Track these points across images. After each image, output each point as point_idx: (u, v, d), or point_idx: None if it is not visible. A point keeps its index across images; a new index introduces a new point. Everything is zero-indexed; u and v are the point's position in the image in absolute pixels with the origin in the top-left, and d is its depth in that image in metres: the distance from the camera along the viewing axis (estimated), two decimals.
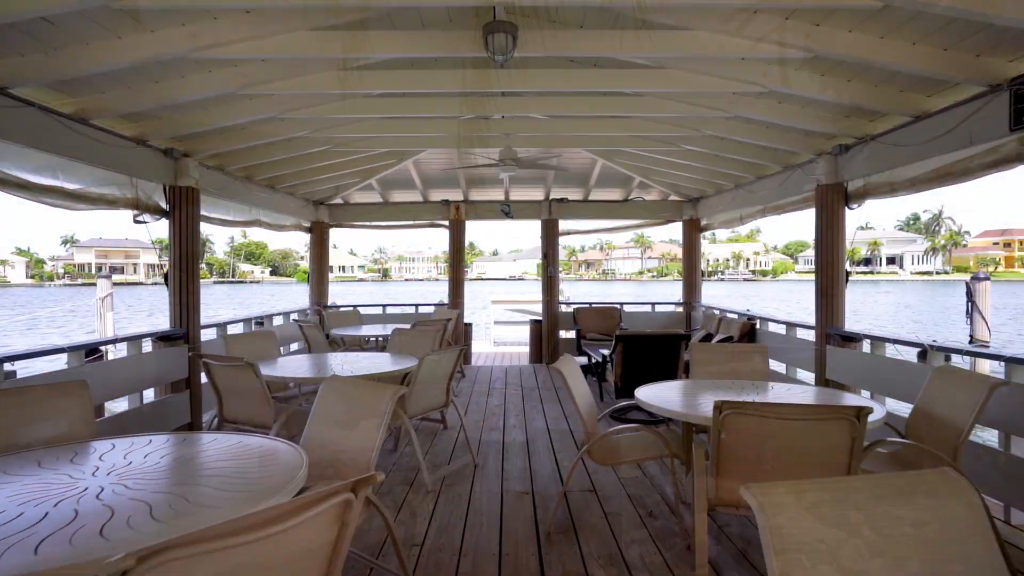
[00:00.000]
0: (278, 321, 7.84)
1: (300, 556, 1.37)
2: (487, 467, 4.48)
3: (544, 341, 9.32)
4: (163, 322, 5.51)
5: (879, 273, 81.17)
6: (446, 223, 9.41)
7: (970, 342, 11.88)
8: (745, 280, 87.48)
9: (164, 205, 5.32)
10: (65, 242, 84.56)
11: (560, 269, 9.61)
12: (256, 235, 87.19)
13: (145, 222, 5.20)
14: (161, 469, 2.01)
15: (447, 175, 8.80)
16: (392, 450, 4.89)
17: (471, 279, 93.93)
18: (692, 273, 9.41)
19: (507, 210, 9.33)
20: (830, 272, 5.36)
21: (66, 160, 4.18)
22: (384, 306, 9.54)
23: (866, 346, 5.00)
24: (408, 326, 6.78)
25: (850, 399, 3.45)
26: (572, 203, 9.41)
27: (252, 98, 4.80)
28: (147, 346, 5.12)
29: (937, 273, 77.03)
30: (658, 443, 3.37)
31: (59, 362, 4.22)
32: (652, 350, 5.65)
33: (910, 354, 4.60)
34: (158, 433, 2.51)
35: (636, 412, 6.08)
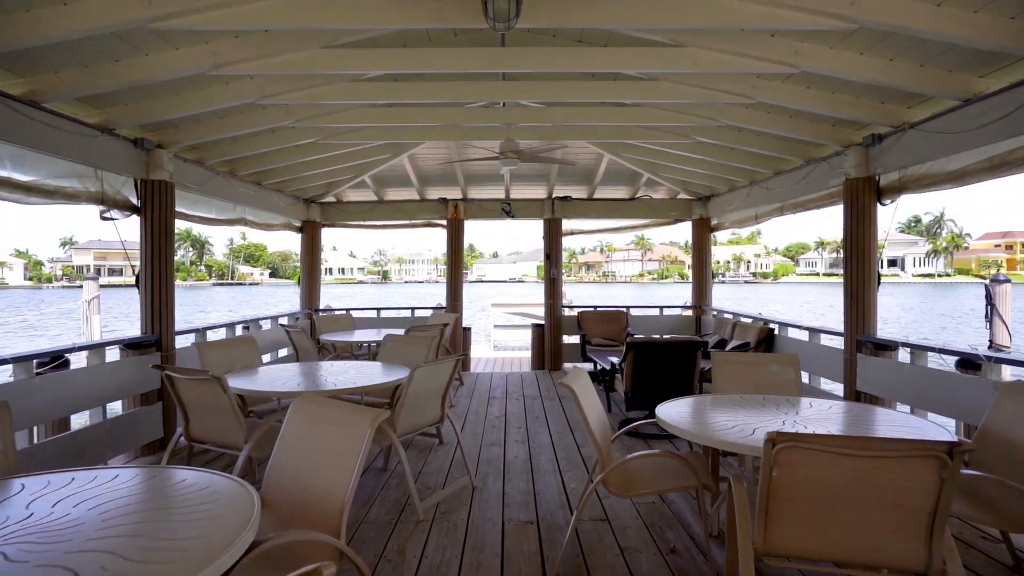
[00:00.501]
0: (266, 326, 7.40)
1: None
2: (486, 490, 4.03)
3: (547, 346, 8.88)
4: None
5: (880, 275, 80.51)
6: (444, 222, 8.97)
7: (989, 347, 11.45)
8: (746, 282, 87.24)
9: (135, 201, 4.88)
10: (64, 244, 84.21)
11: (563, 271, 9.16)
12: (255, 237, 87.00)
13: (113, 219, 4.76)
14: (68, 525, 1.56)
15: (444, 172, 8.36)
16: (382, 469, 4.45)
17: (471, 281, 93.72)
18: (702, 275, 8.97)
19: (508, 209, 8.89)
20: (860, 274, 4.92)
21: (17, 148, 3.75)
22: (379, 309, 9.09)
23: (903, 355, 4.55)
24: (402, 331, 6.35)
25: (890, 416, 3.00)
26: (576, 201, 8.97)
27: (228, 81, 4.36)
28: (115, 354, 4.68)
29: (939, 276, 76.71)
30: (684, 471, 2.92)
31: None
32: (666, 359, 5.20)
33: (941, 364, 4.18)
34: (88, 468, 2.06)
35: (649, 426, 5.64)
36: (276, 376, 4.10)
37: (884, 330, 5.41)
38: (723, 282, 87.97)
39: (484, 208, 8.96)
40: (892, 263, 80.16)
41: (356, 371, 4.29)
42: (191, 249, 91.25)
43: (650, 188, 8.94)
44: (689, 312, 9.11)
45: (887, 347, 4.67)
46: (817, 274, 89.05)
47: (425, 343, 5.09)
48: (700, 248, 8.96)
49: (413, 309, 9.07)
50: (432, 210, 8.98)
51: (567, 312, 9.08)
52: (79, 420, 4.54)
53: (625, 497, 3.09)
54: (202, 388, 3.35)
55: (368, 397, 4.75)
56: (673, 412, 2.97)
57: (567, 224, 9.14)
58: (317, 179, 7.84)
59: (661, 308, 9.18)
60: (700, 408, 3.15)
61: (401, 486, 4.05)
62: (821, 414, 2.95)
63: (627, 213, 9.04)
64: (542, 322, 9.11)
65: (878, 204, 4.92)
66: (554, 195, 8.90)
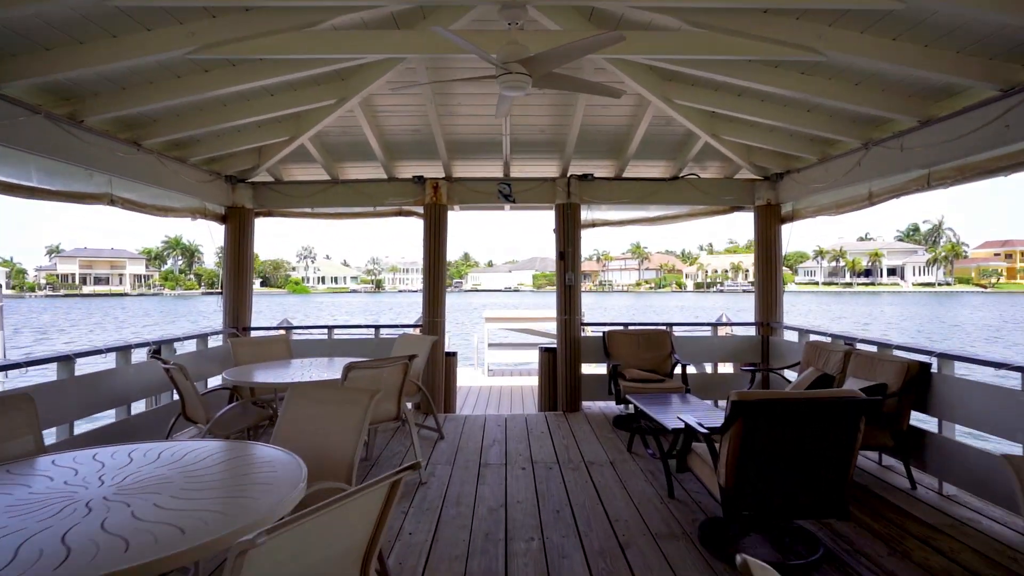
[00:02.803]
0: (138, 357, 4.97)
1: None
2: None
3: (560, 379, 6.48)
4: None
5: (880, 284, 79.17)
6: (420, 210, 6.60)
7: None
8: (744, 291, 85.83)
9: None
10: (50, 252, 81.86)
11: (580, 277, 6.80)
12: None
13: None
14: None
15: (420, 138, 6.02)
16: None
17: (465, 290, 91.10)
18: (771, 281, 6.61)
19: (507, 191, 6.55)
20: None
21: None
22: (330, 328, 6.68)
23: None
24: (345, 370, 3.98)
25: None
26: (600, 181, 6.63)
27: None
28: None
29: (939, 284, 75.38)
30: None
31: None
32: (805, 430, 2.85)
33: None
34: None
35: (757, 544, 3.28)
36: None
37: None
38: (722, 291, 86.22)
39: (474, 190, 6.60)
40: (892, 272, 78.61)
41: (205, 471, 1.91)
42: (180, 258, 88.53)
43: (698, 165, 6.63)
44: (754, 331, 6.76)
45: None
46: (816, 283, 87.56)
47: (360, 404, 2.70)
48: (767, 244, 6.61)
49: (377, 328, 6.66)
50: (405, 192, 6.61)
51: (587, 332, 6.73)
52: None
53: None
54: None
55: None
56: None
57: (587, 214, 6.79)
58: (231, 140, 5.47)
59: (713, 325, 6.81)
60: None
61: None
62: None
63: (667, 197, 6.68)
64: (553, 344, 6.74)
65: None
66: (571, 173, 6.56)
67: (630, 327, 6.49)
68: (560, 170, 6.60)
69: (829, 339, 5.32)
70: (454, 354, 6.68)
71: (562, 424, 5.89)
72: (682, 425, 3.62)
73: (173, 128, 4.78)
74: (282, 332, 6.12)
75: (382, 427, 5.25)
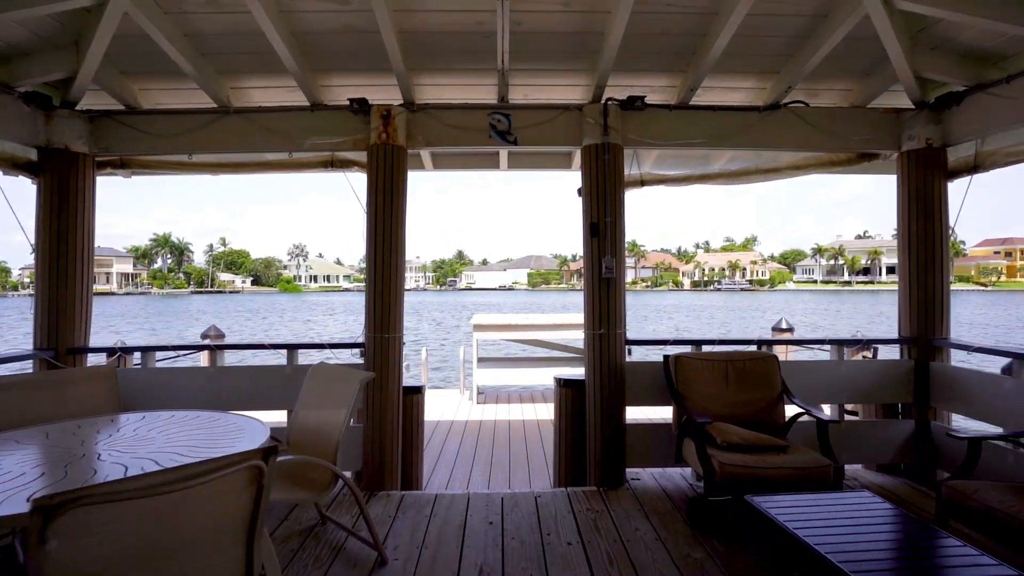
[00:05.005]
0: None
1: None
2: None
3: (592, 432, 3.92)
4: None
5: (880, 283, 77.71)
6: (362, 158, 4.05)
7: None
8: (742, 290, 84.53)
9: None
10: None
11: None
12: (237, 242, 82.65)
13: None
14: None
15: (355, 20, 3.47)
16: None
17: (460, 289, 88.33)
18: (932, 273, 4.07)
19: (504, 126, 4.01)
20: None
21: None
22: (214, 348, 4.11)
23: None
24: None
25: None
26: (655, 111, 4.07)
27: None
28: None
29: None
30: None
31: None
32: None
33: None
34: None
35: None
36: None
37: None
38: (719, 290, 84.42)
39: (451, 124, 4.03)
40: (891, 270, 77.19)
41: None
42: (169, 256, 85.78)
43: (807, 88, 4.11)
44: (897, 351, 4.25)
45: None
46: (815, 281, 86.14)
47: None
48: (923, 212, 4.07)
49: (291, 348, 4.07)
50: (339, 128, 4.03)
51: (635, 353, 4.19)
52: None
53: None
54: None
55: None
56: None
57: (629, 168, 4.24)
58: None
59: (841, 344, 4.22)
60: None
61: None
62: None
63: (759, 139, 4.13)
64: (580, 375, 4.17)
65: None
66: (607, 97, 4.00)
67: (704, 348, 3.96)
68: (590, 92, 4.03)
69: None
70: (419, 389, 4.12)
71: (601, 518, 3.35)
72: None
73: None
74: (107, 363, 3.55)
75: None
